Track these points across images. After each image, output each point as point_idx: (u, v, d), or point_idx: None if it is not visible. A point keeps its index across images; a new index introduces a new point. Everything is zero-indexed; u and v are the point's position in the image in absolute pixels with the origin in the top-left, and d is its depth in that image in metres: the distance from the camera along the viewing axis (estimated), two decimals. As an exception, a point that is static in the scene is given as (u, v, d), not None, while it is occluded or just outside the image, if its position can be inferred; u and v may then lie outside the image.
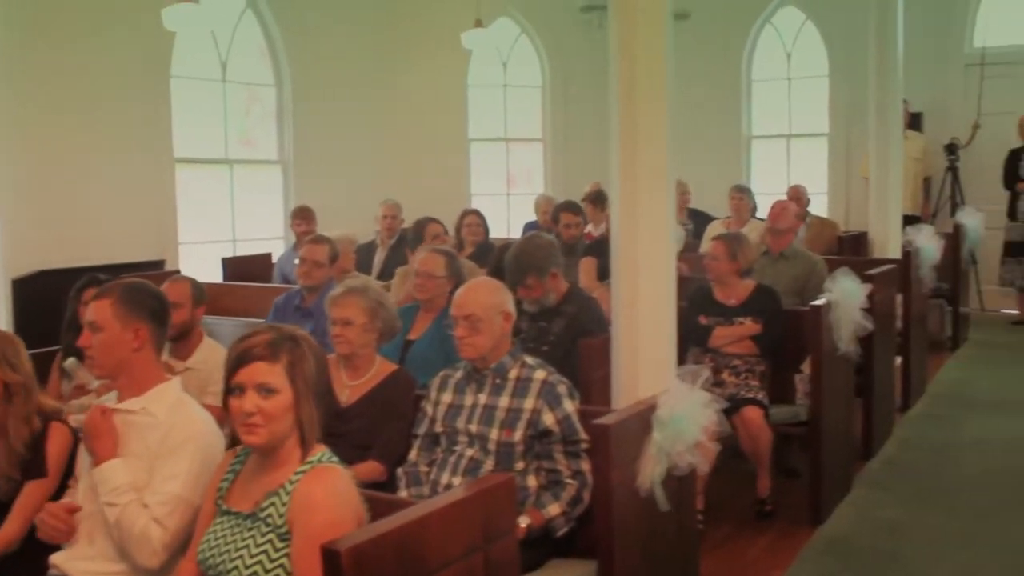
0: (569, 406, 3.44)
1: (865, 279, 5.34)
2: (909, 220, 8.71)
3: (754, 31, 11.41)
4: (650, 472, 3.30)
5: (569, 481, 3.38)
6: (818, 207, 10.28)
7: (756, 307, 5.10)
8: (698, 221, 9.03)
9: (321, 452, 2.59)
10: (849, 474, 5.40)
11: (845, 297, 5.00)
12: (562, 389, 3.46)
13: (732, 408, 4.77)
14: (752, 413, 4.76)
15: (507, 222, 11.23)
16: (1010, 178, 9.46)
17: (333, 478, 2.51)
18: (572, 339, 4.38)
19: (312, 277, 5.16)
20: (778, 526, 4.90)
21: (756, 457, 4.88)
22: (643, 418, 3.36)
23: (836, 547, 4.63)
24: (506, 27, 11.55)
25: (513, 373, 3.50)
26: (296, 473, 2.51)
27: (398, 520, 2.35)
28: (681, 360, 5.03)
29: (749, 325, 5.07)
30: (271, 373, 2.50)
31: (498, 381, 3.50)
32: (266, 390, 2.49)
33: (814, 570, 4.39)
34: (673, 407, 3.36)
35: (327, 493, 2.45)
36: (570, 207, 6.39)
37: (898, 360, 6.74)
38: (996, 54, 10.06)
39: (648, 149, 3.68)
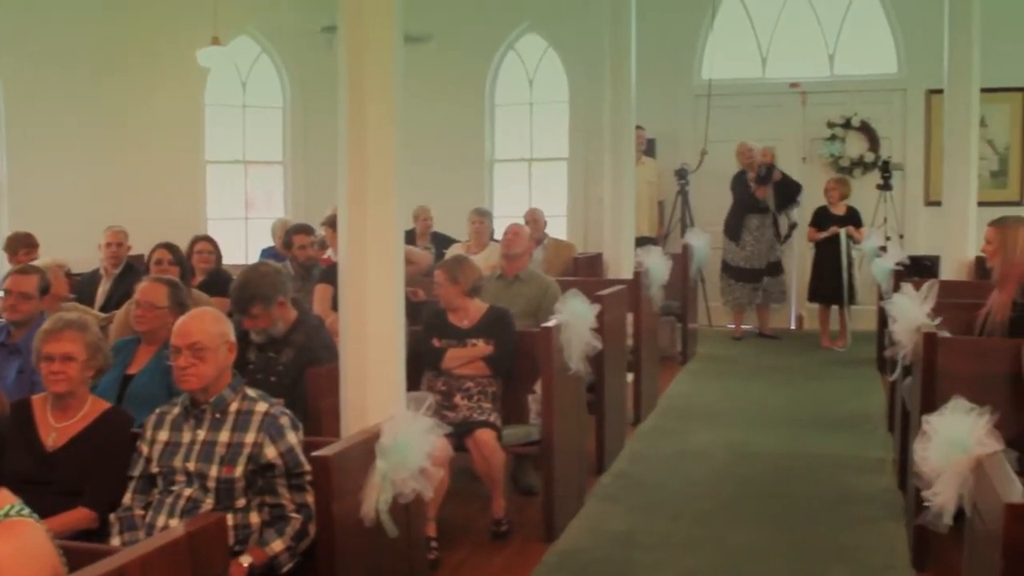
0: (292, 438, 3.38)
1: (595, 300, 5.52)
2: (647, 241, 9.17)
3: (498, 56, 11.65)
4: (374, 501, 3.27)
5: (294, 515, 3.34)
6: (558, 229, 10.61)
7: (488, 328, 5.17)
8: (440, 244, 9.09)
9: (10, 505, 2.38)
10: (583, 489, 5.56)
11: (575, 318, 5.15)
12: (284, 421, 3.40)
13: (465, 431, 4.83)
14: (484, 435, 4.82)
15: (245, 248, 10.91)
16: (741, 193, 10.08)
17: (21, 532, 2.31)
18: (301, 368, 4.29)
19: (19, 311, 4.78)
20: (513, 545, 4.97)
21: (489, 479, 4.94)
22: (366, 447, 3.33)
23: (568, 561, 4.75)
24: (246, 45, 11.24)
25: (233, 406, 3.42)
26: (-21, 531, 2.30)
27: (95, 571, 2.21)
28: (415, 385, 5.08)
29: (481, 346, 5.13)
30: None
31: (217, 415, 3.40)
32: None
33: (547, 586, 4.49)
34: (396, 434, 3.34)
35: (13, 550, 2.26)
36: (303, 228, 6.28)
37: (630, 376, 7.03)
38: (721, 86, 10.70)
39: (377, 174, 3.68)
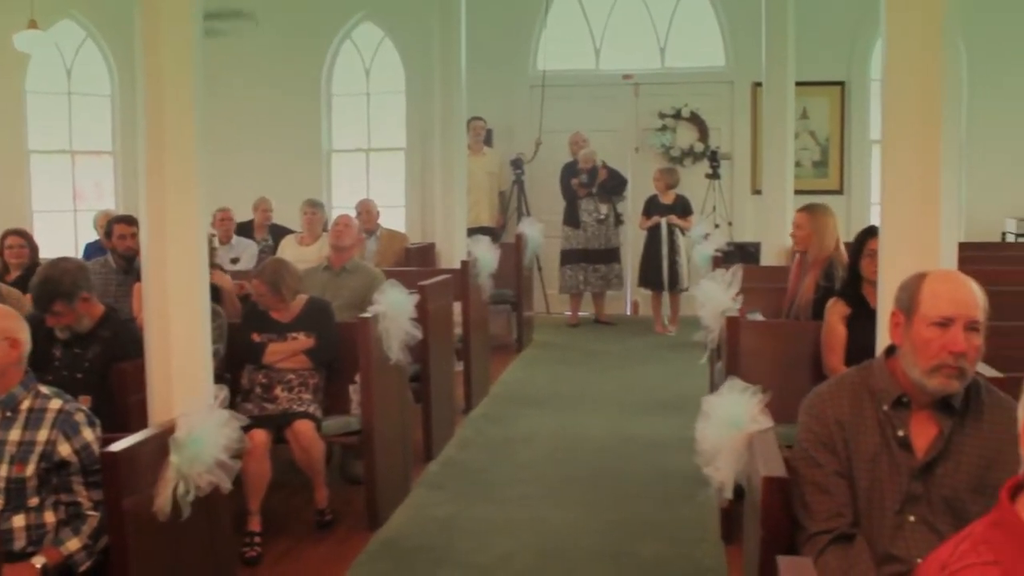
0: (88, 435, 3.33)
1: (415, 290, 5.56)
2: (487, 231, 9.27)
3: (334, 45, 11.55)
4: (168, 496, 3.25)
5: (91, 513, 3.31)
6: (397, 219, 10.63)
7: (308, 321, 5.16)
8: (278, 236, 8.99)
9: None
10: (408, 477, 5.61)
11: (393, 308, 5.19)
12: (80, 418, 3.35)
13: (284, 422, 4.83)
14: (303, 426, 4.83)
15: (75, 241, 10.51)
16: (568, 189, 10.28)
17: None
18: (108, 363, 4.21)
19: None
20: (338, 534, 5.00)
21: (310, 469, 4.95)
22: (160, 441, 3.30)
23: (390, 548, 4.80)
24: (69, 30, 10.81)
25: (25, 404, 3.34)
26: None
27: None
28: (236, 378, 5.05)
29: (302, 340, 5.12)
30: None
31: (8, 414, 3.32)
32: None
33: (367, 574, 4.53)
34: (191, 428, 3.33)
35: None
36: (123, 219, 6.12)
37: (460, 365, 7.11)
38: (555, 77, 10.90)
39: (175, 162, 3.64)
